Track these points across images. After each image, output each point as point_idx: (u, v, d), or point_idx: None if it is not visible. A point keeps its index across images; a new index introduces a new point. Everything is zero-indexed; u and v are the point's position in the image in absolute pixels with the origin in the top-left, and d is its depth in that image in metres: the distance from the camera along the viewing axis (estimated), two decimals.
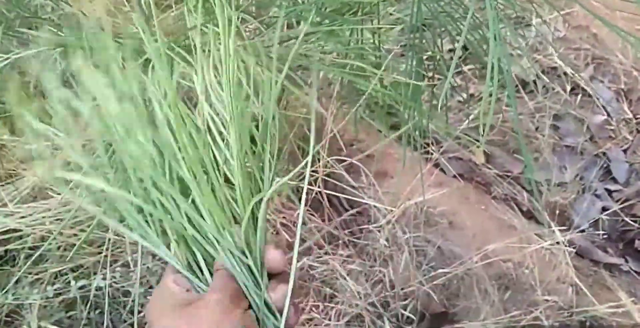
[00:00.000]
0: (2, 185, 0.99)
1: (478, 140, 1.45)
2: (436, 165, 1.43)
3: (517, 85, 1.59)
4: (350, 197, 1.24)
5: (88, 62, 0.40)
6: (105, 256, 1.06)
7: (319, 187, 1.18)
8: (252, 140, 0.43)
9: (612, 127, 1.59)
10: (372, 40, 0.67)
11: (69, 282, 1.11)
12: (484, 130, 1.46)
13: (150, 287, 1.14)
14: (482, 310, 1.20)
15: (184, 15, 0.61)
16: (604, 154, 1.53)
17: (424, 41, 0.72)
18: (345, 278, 1.17)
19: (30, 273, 1.11)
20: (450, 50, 1.47)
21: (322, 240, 1.19)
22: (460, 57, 1.55)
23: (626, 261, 1.35)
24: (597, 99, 1.63)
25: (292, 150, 0.96)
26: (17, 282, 1.10)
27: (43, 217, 0.96)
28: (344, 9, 0.62)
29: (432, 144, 1.44)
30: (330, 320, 1.14)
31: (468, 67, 1.54)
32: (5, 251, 1.10)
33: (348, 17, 0.62)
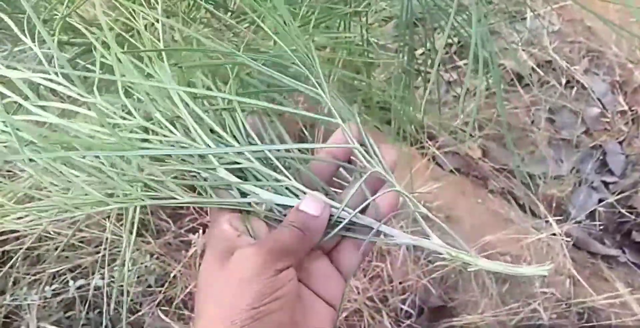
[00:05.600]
0: None
1: (474, 135, 1.46)
2: (431, 159, 1.43)
3: (512, 79, 1.59)
4: None
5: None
6: (103, 255, 1.06)
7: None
8: None
9: (608, 120, 1.59)
10: (363, 35, 0.68)
11: (67, 282, 1.11)
12: (477, 125, 1.46)
13: (149, 286, 1.14)
14: (480, 303, 1.20)
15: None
16: (600, 146, 1.54)
17: (417, 36, 0.72)
18: None
19: (28, 274, 1.11)
20: (449, 45, 1.47)
21: None
22: (455, 52, 1.56)
23: (623, 252, 1.36)
24: (592, 91, 1.63)
25: None
26: (15, 283, 1.10)
27: (40, 218, 0.96)
28: (336, 2, 0.62)
29: (428, 139, 1.44)
30: None
31: (464, 62, 1.54)
32: (3, 252, 1.11)
33: (339, 11, 0.62)
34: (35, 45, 0.40)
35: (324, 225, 0.38)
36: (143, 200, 0.38)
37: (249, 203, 0.39)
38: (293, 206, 0.38)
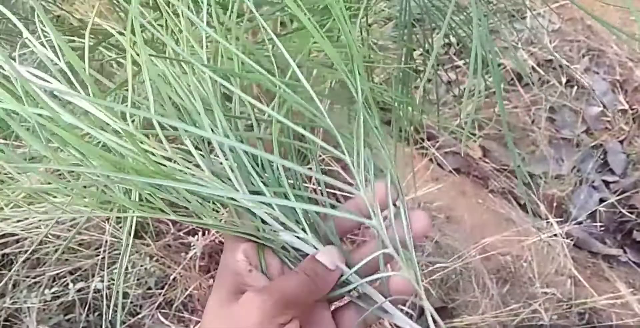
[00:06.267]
0: None
1: (474, 135, 1.45)
2: (432, 159, 1.43)
3: (512, 79, 1.59)
4: (347, 194, 1.24)
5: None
6: (103, 258, 1.06)
7: (313, 185, 1.18)
8: None
9: (608, 119, 1.59)
10: (363, 37, 0.67)
11: (67, 284, 1.11)
12: (477, 125, 1.46)
13: (149, 289, 1.14)
14: (481, 304, 1.20)
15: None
16: (601, 145, 1.53)
17: (415, 37, 0.72)
18: None
19: (28, 277, 1.11)
20: (448, 45, 1.47)
21: None
22: (455, 52, 1.55)
23: (624, 252, 1.35)
24: (593, 90, 1.63)
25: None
26: (15, 286, 1.10)
27: (39, 221, 0.96)
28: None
29: (428, 139, 1.44)
30: None
31: (463, 62, 1.54)
32: (3, 255, 1.10)
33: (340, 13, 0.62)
34: (47, 49, 0.40)
35: (335, 280, 0.38)
36: (167, 212, 0.38)
37: (267, 237, 0.39)
38: (308, 253, 0.38)
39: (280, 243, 0.39)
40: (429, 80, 1.11)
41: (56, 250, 1.06)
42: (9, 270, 1.10)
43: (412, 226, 0.38)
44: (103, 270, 1.08)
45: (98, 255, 1.09)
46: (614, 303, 1.20)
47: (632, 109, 1.60)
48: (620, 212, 1.41)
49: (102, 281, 1.08)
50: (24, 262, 1.09)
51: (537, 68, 1.64)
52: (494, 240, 1.23)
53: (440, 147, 1.44)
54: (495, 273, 1.24)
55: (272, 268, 0.39)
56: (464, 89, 1.48)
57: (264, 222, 0.39)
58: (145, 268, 1.11)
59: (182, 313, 1.13)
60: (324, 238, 0.39)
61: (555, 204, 1.40)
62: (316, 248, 0.38)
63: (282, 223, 0.39)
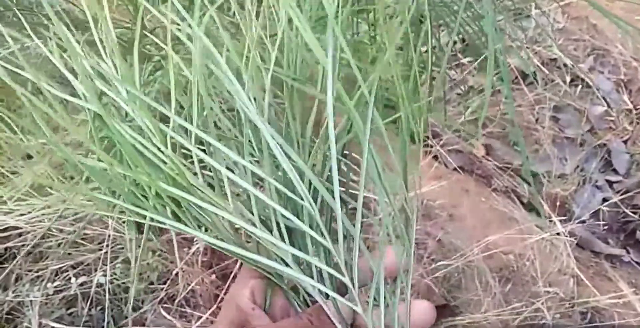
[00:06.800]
0: (1, 183, 0.98)
1: (478, 133, 1.45)
2: (435, 157, 1.43)
3: (516, 77, 1.58)
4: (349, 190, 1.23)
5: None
6: (106, 252, 1.06)
7: None
8: None
9: (612, 118, 1.59)
10: (369, 33, 0.67)
11: (70, 278, 1.11)
12: (482, 123, 1.46)
13: (151, 283, 1.14)
14: (484, 302, 1.20)
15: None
16: (604, 145, 1.53)
17: (421, 33, 0.71)
18: None
19: (30, 271, 1.11)
20: (453, 42, 1.46)
21: None
22: (460, 50, 1.55)
23: (627, 252, 1.35)
24: (597, 90, 1.62)
25: None
26: (17, 279, 1.10)
27: (42, 214, 0.96)
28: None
29: (432, 137, 1.44)
30: None
31: (467, 59, 1.54)
32: (5, 249, 1.11)
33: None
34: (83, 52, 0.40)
35: None
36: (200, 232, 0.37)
37: (281, 276, 0.38)
38: (318, 300, 0.37)
39: (292, 284, 0.38)
40: (434, 78, 1.10)
41: (59, 244, 1.06)
42: (12, 264, 1.10)
43: (412, 318, 0.36)
44: (106, 265, 1.08)
45: (101, 250, 1.09)
46: (617, 302, 1.19)
47: (637, 109, 1.59)
48: (624, 212, 1.40)
49: (105, 275, 1.08)
50: (26, 255, 1.09)
51: (542, 67, 1.63)
52: (496, 238, 1.23)
53: (444, 144, 1.44)
54: (497, 271, 1.24)
55: (277, 309, 0.38)
56: (470, 87, 1.48)
57: (283, 260, 0.37)
58: (148, 263, 1.11)
59: (185, 308, 1.13)
60: (339, 288, 0.38)
61: (558, 203, 1.40)
62: (327, 298, 0.37)
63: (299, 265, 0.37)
